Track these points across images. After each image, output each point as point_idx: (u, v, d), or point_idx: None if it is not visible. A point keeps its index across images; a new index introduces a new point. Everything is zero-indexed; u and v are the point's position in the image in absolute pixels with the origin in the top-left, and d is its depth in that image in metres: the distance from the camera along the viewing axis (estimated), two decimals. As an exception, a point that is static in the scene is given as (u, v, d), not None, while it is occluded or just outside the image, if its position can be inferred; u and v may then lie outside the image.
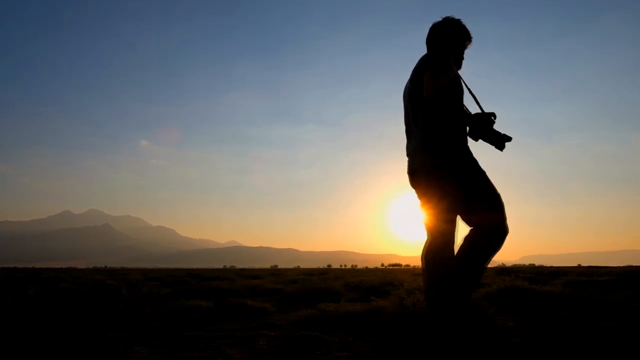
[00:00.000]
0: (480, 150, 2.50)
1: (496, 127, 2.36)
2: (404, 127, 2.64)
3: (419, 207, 2.50)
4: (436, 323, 2.33)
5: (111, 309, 3.75)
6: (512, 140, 2.33)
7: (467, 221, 2.43)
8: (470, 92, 2.46)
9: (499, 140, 2.33)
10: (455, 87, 2.39)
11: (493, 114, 2.35)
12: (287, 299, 5.68)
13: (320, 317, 3.45)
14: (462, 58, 2.62)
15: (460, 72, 2.56)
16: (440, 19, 2.61)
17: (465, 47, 2.61)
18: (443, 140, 2.37)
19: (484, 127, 2.33)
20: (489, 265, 2.38)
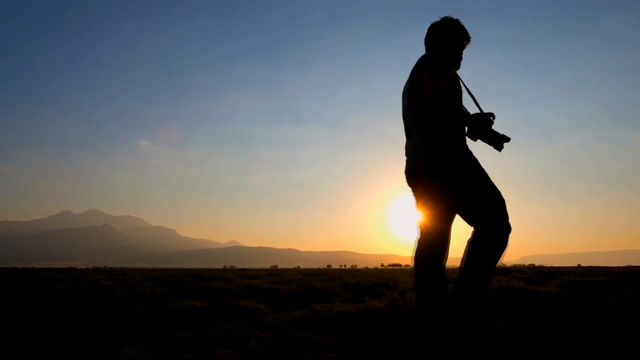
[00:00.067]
0: (479, 150, 2.55)
1: (495, 127, 2.36)
2: (403, 127, 2.64)
3: (415, 207, 2.51)
4: (427, 323, 2.35)
5: (105, 310, 3.75)
6: (512, 140, 2.33)
7: (469, 221, 2.43)
8: (469, 92, 2.46)
9: (498, 141, 2.33)
10: (454, 87, 2.39)
11: (492, 115, 2.35)
12: (282, 300, 5.68)
13: (313, 318, 3.45)
14: (461, 58, 2.62)
15: (459, 72, 2.56)
16: (439, 19, 2.61)
17: (463, 47, 2.61)
18: (442, 141, 2.37)
19: (483, 127, 2.32)
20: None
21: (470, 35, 2.61)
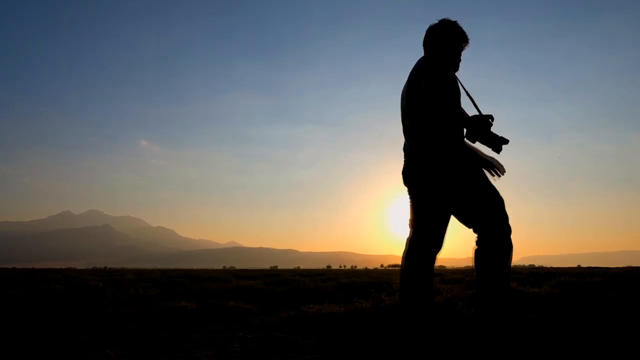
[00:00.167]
0: (478, 145, 2.48)
1: (494, 128, 2.35)
2: (402, 128, 2.63)
3: (410, 206, 2.51)
4: (410, 324, 2.35)
5: (90, 311, 3.73)
6: (512, 140, 2.33)
7: (466, 223, 2.43)
8: (468, 94, 2.46)
9: (497, 143, 2.33)
10: (453, 89, 2.38)
11: (490, 117, 2.34)
12: (275, 300, 5.66)
13: (301, 319, 3.44)
14: (460, 60, 2.61)
15: (457, 74, 2.56)
16: (437, 21, 2.61)
17: (462, 49, 2.61)
18: (441, 142, 2.36)
19: (482, 129, 2.32)
20: (472, 264, 2.39)
21: (468, 37, 2.61)
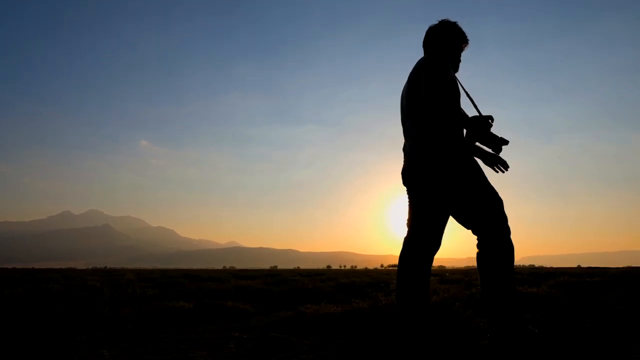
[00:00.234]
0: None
1: (494, 128, 2.34)
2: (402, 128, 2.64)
3: (408, 206, 2.51)
4: (405, 324, 2.34)
5: (88, 311, 3.73)
6: (512, 140, 2.33)
7: (464, 224, 2.42)
8: (468, 95, 2.45)
9: (496, 144, 2.33)
10: (453, 89, 2.38)
11: (490, 117, 2.34)
12: (273, 300, 5.65)
13: (298, 319, 3.43)
14: (459, 60, 2.61)
15: (457, 74, 2.56)
16: (437, 22, 2.61)
17: (462, 50, 2.61)
18: (441, 143, 2.36)
19: (482, 130, 2.32)
20: (471, 264, 2.38)
21: (468, 37, 2.61)
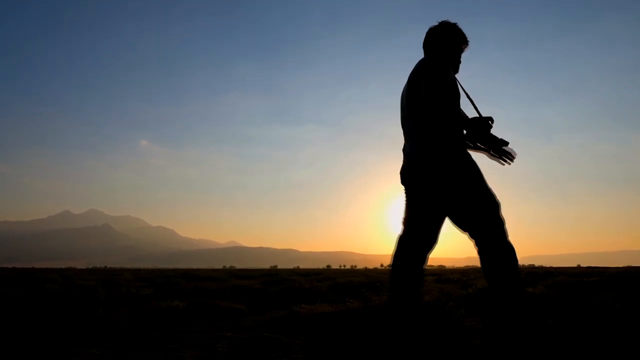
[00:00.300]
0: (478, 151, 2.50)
1: (494, 129, 2.34)
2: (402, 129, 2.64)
3: (405, 205, 2.51)
4: (396, 323, 2.34)
5: (81, 310, 3.72)
6: (512, 141, 2.33)
7: (461, 226, 2.43)
8: (468, 96, 2.45)
9: (496, 145, 2.33)
10: (453, 90, 2.38)
11: (490, 119, 2.33)
12: (269, 300, 5.64)
13: (292, 319, 3.43)
14: (459, 62, 2.61)
15: (457, 75, 2.56)
16: (437, 23, 2.61)
17: (462, 51, 2.62)
18: (440, 144, 2.36)
19: (482, 131, 2.31)
20: (475, 264, 2.39)
21: (468, 39, 2.62)
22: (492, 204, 2.36)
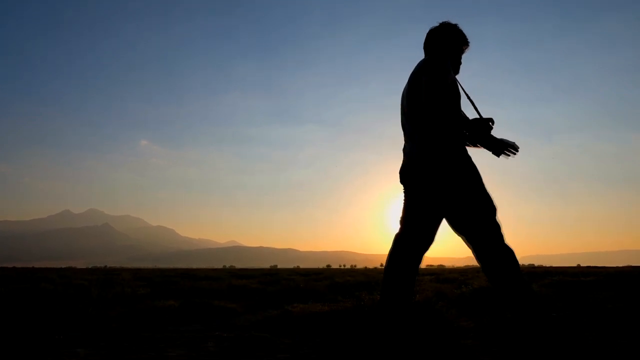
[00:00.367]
0: (479, 152, 2.51)
1: (494, 131, 2.33)
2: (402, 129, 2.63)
3: (403, 205, 2.51)
4: (384, 321, 2.34)
5: (73, 310, 3.71)
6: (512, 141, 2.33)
7: (457, 229, 2.42)
8: (468, 97, 2.45)
9: (497, 146, 2.33)
10: (453, 92, 2.38)
11: (491, 120, 2.33)
12: (265, 300, 5.64)
13: (284, 318, 3.42)
14: (460, 63, 2.61)
15: (458, 76, 2.56)
16: (437, 24, 2.61)
17: (462, 52, 2.62)
18: (441, 145, 2.35)
19: (482, 132, 2.31)
20: (474, 264, 2.39)
21: (469, 40, 2.62)
22: (488, 208, 2.35)
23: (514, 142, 2.36)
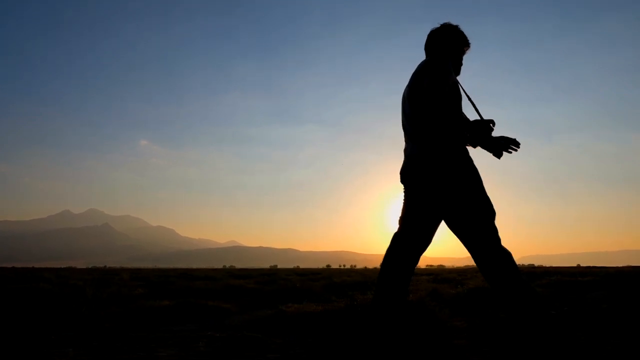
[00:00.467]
0: (479, 152, 2.51)
1: (495, 132, 2.33)
2: (402, 130, 2.63)
3: (403, 204, 2.51)
4: (375, 321, 2.35)
5: (66, 310, 3.70)
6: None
7: (455, 231, 2.42)
8: (469, 98, 2.45)
9: (497, 148, 2.33)
10: (454, 93, 2.37)
11: (492, 121, 2.32)
12: (260, 299, 5.63)
13: (277, 318, 3.41)
14: (461, 64, 2.61)
15: (459, 77, 2.56)
16: (438, 26, 2.61)
17: (463, 53, 2.62)
18: (442, 147, 2.35)
19: (483, 134, 2.31)
20: (474, 264, 2.39)
21: (469, 41, 2.62)
22: (487, 212, 2.35)
23: (514, 139, 2.35)
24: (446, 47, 2.55)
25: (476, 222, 2.32)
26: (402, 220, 2.49)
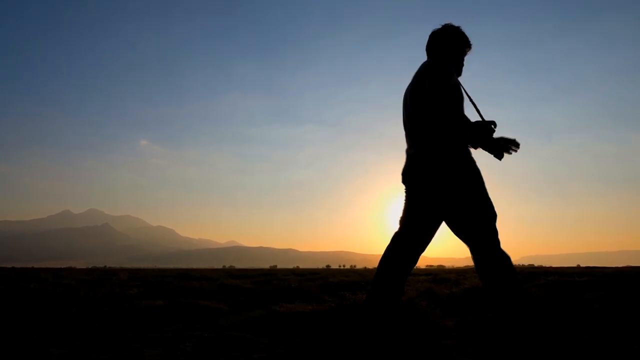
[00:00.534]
0: (479, 152, 2.51)
1: (496, 133, 2.33)
2: (403, 130, 2.62)
3: (404, 205, 2.51)
4: (365, 320, 2.35)
5: (56, 310, 3.67)
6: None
7: (456, 232, 2.42)
8: (471, 99, 2.44)
9: (499, 150, 2.33)
10: (456, 94, 2.36)
11: (493, 123, 2.32)
12: (252, 300, 5.60)
13: (269, 318, 3.39)
14: (462, 65, 2.61)
15: (460, 78, 2.56)
16: (440, 26, 2.61)
17: (465, 54, 2.62)
18: (443, 148, 2.35)
19: (484, 135, 2.31)
20: (470, 264, 2.38)
21: (471, 42, 2.62)
22: (488, 214, 2.34)
23: (514, 139, 2.35)
24: (448, 48, 2.55)
25: (476, 224, 2.32)
26: (403, 221, 2.49)
